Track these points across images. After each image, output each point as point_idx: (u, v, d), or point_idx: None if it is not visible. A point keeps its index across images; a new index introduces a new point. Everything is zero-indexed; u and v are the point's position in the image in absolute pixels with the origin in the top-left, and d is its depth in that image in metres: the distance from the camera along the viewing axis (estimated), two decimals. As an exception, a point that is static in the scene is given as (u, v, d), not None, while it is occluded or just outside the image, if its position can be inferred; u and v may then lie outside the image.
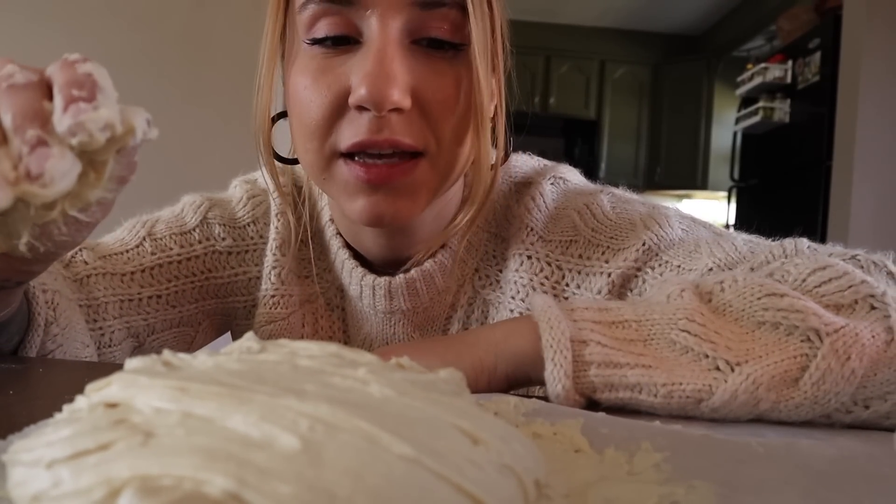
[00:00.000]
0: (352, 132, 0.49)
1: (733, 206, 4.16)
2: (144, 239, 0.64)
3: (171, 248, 0.64)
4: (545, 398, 0.40)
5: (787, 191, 3.44)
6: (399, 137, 0.49)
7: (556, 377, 0.39)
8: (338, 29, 0.49)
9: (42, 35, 1.89)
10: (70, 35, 1.89)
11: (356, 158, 0.50)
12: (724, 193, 4.41)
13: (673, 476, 0.27)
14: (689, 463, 0.29)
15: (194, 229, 0.65)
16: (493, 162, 0.56)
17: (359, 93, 0.48)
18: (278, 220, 0.64)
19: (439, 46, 0.50)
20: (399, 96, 0.48)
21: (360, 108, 0.49)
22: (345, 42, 0.50)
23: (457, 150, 0.53)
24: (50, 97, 0.34)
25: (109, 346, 0.61)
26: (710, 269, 0.51)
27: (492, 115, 0.54)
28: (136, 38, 1.90)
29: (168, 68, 1.92)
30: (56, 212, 0.35)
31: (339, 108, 0.50)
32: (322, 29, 0.50)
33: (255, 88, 0.55)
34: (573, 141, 5.44)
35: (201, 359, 0.25)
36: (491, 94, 0.52)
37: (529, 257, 0.59)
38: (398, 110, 0.49)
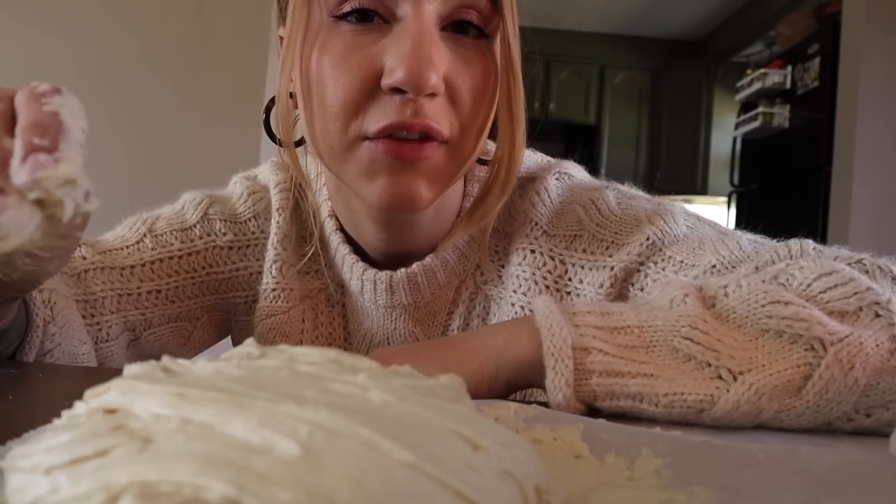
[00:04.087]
0: (382, 115, 0.48)
1: (733, 211, 4.16)
2: (145, 235, 0.64)
3: (172, 244, 0.64)
4: (545, 403, 0.40)
5: (786, 196, 3.44)
6: (431, 122, 0.48)
7: (557, 386, 0.39)
8: (369, 3, 0.48)
9: (43, 40, 1.89)
10: (71, 40, 1.90)
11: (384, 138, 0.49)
12: (724, 199, 4.41)
13: (673, 482, 0.27)
14: (689, 469, 0.29)
15: (195, 225, 0.65)
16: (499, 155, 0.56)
17: (396, 75, 0.47)
18: (279, 215, 0.64)
19: (467, 32, 0.50)
20: (437, 80, 0.47)
21: (394, 90, 0.48)
22: (372, 18, 0.49)
23: (475, 142, 0.53)
24: (13, 131, 0.31)
25: (106, 340, 0.61)
26: (714, 267, 0.51)
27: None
28: (136, 42, 1.90)
29: (168, 73, 1.92)
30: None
31: (369, 90, 0.49)
32: (352, 4, 0.49)
33: (277, 70, 0.53)
34: (573, 146, 5.44)
35: (200, 365, 0.25)
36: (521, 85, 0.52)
37: (533, 251, 0.59)
38: (431, 95, 0.48)
